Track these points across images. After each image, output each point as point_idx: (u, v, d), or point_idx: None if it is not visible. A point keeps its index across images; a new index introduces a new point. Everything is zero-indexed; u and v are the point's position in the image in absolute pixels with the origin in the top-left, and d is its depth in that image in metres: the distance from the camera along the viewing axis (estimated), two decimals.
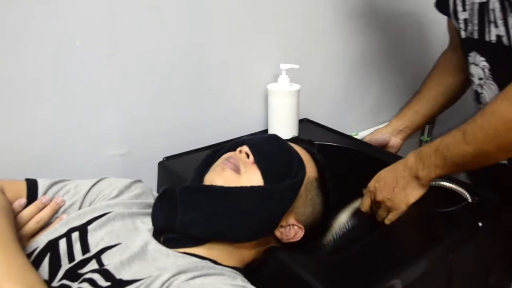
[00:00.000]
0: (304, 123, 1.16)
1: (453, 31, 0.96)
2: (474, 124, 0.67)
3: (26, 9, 0.74)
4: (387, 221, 0.75)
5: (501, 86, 0.75)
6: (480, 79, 0.82)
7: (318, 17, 1.18)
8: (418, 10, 1.43)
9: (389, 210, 0.76)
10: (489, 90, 0.81)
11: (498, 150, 0.67)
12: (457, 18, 0.86)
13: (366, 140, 1.07)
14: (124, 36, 0.85)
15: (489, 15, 0.74)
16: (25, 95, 0.78)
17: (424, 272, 0.64)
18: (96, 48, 0.82)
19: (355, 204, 0.84)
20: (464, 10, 0.83)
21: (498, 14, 0.72)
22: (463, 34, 0.85)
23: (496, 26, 0.73)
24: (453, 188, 0.76)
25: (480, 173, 0.75)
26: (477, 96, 0.85)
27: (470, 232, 0.71)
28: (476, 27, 0.80)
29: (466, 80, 0.94)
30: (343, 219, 0.82)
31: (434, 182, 0.76)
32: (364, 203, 0.81)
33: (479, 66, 0.82)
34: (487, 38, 0.77)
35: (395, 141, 1.07)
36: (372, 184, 0.79)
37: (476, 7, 0.78)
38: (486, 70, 0.80)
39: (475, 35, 0.81)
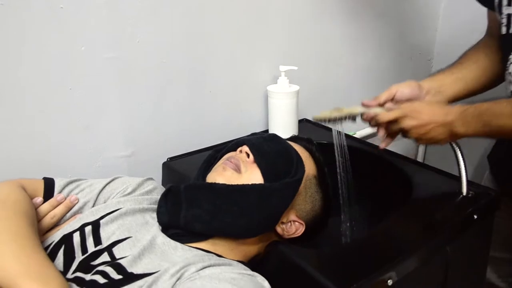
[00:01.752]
0: (304, 124, 1.18)
1: (494, 21, 0.89)
2: None
3: (34, 16, 0.77)
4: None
5: None
6: None
7: (316, 20, 1.21)
8: (420, 13, 1.46)
9: (407, 136, 0.78)
10: None
11: None
12: (500, 12, 0.81)
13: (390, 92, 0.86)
14: (128, 40, 0.88)
15: None
16: (34, 99, 0.81)
17: (422, 263, 0.66)
18: (101, 52, 0.85)
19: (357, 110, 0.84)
20: (509, 5, 0.79)
21: None
22: (503, 29, 0.81)
23: None
24: (462, 174, 0.79)
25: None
26: None
27: (466, 224, 0.73)
28: None
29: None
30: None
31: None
32: (386, 116, 0.80)
33: None
34: None
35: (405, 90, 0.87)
36: (407, 108, 0.78)
37: None
38: None
39: None
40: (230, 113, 1.09)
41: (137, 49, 0.90)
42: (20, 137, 0.81)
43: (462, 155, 0.79)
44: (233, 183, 0.67)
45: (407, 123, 0.78)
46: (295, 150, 0.75)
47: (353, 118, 0.83)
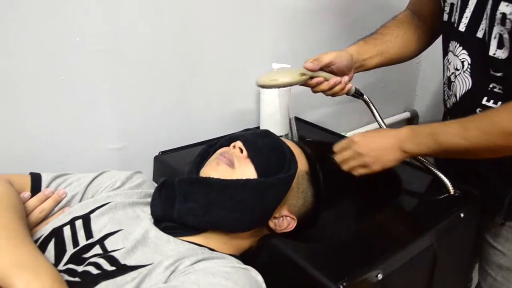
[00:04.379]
0: (295, 121, 1.19)
1: (426, 4, 0.95)
2: (476, 125, 0.71)
3: (28, 5, 0.76)
4: (356, 173, 0.80)
5: (475, 82, 0.79)
6: (456, 69, 0.83)
7: (309, 19, 1.22)
8: None
9: (363, 165, 0.79)
10: (462, 83, 0.83)
11: (490, 153, 0.73)
12: (444, 0, 0.86)
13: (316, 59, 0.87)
14: (122, 32, 0.88)
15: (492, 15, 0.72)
16: (25, 89, 0.80)
17: (410, 259, 0.67)
18: (95, 44, 0.85)
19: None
20: None
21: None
22: (445, 17, 0.85)
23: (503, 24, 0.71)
24: (441, 178, 0.80)
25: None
26: (450, 83, 0.87)
27: (453, 222, 0.75)
28: (466, 20, 0.79)
29: (420, 50, 0.99)
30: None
31: (426, 161, 0.82)
32: (340, 145, 0.83)
33: (458, 57, 0.82)
34: (479, 35, 0.76)
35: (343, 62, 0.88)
36: (358, 136, 0.81)
37: (472, 1, 0.77)
38: (466, 64, 0.81)
39: (462, 28, 0.80)
40: (222, 108, 1.10)
41: (131, 43, 0.90)
42: (8, 128, 0.80)
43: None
44: (226, 178, 0.67)
45: (363, 147, 0.79)
46: (287, 146, 0.75)
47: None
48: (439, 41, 0.99)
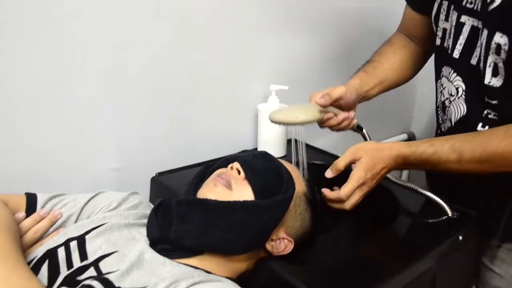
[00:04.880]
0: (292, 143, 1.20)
1: (419, 28, 0.95)
2: (473, 153, 0.72)
3: (31, 24, 0.77)
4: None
5: (470, 109, 0.80)
6: (451, 95, 0.84)
7: (308, 41, 1.24)
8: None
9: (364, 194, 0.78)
10: (457, 109, 0.83)
11: (481, 173, 0.74)
12: (437, 24, 0.86)
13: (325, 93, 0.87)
14: (122, 53, 0.89)
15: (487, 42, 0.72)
16: (23, 108, 0.80)
17: (409, 282, 0.67)
18: (95, 63, 0.86)
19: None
20: (446, 20, 0.83)
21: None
22: (438, 41, 0.86)
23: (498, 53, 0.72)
24: (438, 202, 0.80)
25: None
26: (444, 107, 0.88)
27: (452, 245, 0.75)
28: (460, 47, 0.80)
29: (416, 71, 1.01)
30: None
31: (421, 190, 0.82)
32: (348, 190, 0.78)
33: (452, 84, 0.83)
34: (473, 62, 0.77)
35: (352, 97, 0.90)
36: (364, 173, 0.78)
37: (466, 28, 0.78)
38: (460, 91, 0.82)
39: (456, 54, 0.81)
40: (220, 130, 1.10)
41: (130, 64, 0.91)
42: (8, 146, 0.80)
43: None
44: (224, 200, 0.67)
45: (372, 183, 0.79)
46: (285, 167, 0.75)
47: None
48: (433, 65, 1.01)
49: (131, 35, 0.89)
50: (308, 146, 1.17)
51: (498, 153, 0.69)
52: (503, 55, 0.69)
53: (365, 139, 0.91)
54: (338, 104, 0.86)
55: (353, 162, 0.78)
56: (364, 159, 0.77)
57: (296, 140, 0.86)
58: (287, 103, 1.10)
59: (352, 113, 0.87)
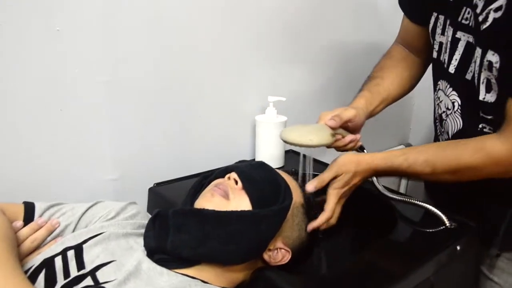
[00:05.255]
0: (290, 154, 1.20)
1: (417, 39, 0.96)
2: (446, 166, 0.75)
3: (31, 37, 0.78)
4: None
5: (466, 123, 0.81)
6: (448, 109, 0.85)
7: (305, 53, 1.25)
8: None
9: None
10: (453, 123, 0.84)
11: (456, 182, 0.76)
12: (433, 38, 0.87)
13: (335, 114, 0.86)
14: (119, 65, 0.90)
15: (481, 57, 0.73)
16: (23, 118, 0.81)
17: None
18: (93, 75, 0.86)
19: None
20: (442, 34, 0.84)
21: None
22: (435, 54, 0.87)
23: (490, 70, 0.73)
24: (435, 212, 0.81)
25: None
26: (441, 120, 0.89)
27: (450, 255, 0.75)
28: (455, 62, 0.80)
29: (417, 80, 1.01)
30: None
31: (417, 201, 0.83)
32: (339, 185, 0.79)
33: (449, 98, 0.84)
34: (468, 77, 0.78)
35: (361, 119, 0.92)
36: (345, 188, 0.80)
37: (462, 44, 0.78)
38: (456, 105, 0.83)
39: (451, 69, 0.81)
40: (218, 141, 1.11)
41: (128, 75, 0.91)
42: (5, 156, 0.81)
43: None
44: (221, 210, 0.67)
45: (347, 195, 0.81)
46: (282, 178, 0.76)
47: None
48: (431, 76, 1.02)
49: (131, 47, 0.90)
50: (305, 157, 1.18)
51: (471, 167, 0.73)
52: (495, 72, 0.70)
53: None
54: (346, 125, 0.87)
55: (335, 177, 0.79)
56: (345, 177, 0.78)
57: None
58: (284, 115, 1.11)
59: (358, 136, 0.87)
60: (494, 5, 0.66)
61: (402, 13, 0.99)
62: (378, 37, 1.40)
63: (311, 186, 0.78)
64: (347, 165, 0.78)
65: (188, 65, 1.01)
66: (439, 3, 0.82)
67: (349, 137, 0.85)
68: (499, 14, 0.65)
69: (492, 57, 0.69)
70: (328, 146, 0.87)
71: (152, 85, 0.96)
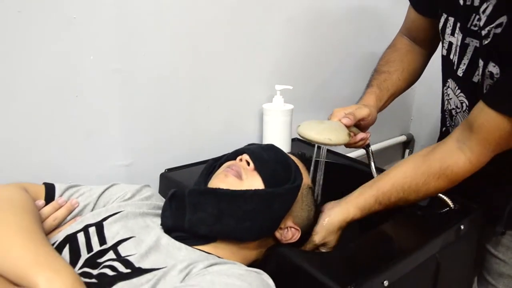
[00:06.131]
0: (296, 142, 1.23)
1: (423, 30, 0.97)
2: (416, 197, 0.79)
3: (48, 25, 0.80)
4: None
5: None
6: (457, 107, 0.88)
7: (311, 42, 1.28)
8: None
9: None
10: (463, 121, 0.86)
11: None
12: (443, 37, 0.87)
13: (348, 112, 0.88)
14: (133, 54, 0.92)
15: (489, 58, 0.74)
16: (40, 104, 0.83)
17: (414, 268, 0.70)
18: (108, 63, 0.89)
19: None
20: (452, 34, 0.84)
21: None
22: (444, 52, 0.88)
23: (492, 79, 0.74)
24: (439, 196, 0.84)
25: None
26: (451, 115, 0.91)
27: (454, 233, 0.77)
28: (463, 67, 0.82)
29: (423, 68, 1.03)
30: None
31: None
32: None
33: (458, 98, 0.86)
34: (475, 80, 0.79)
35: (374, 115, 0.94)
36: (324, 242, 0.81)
37: (470, 49, 0.79)
38: (464, 106, 0.85)
39: (460, 73, 0.83)
40: (227, 128, 1.13)
41: (141, 63, 0.94)
42: (23, 141, 0.83)
43: None
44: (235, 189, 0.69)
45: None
46: (292, 159, 0.78)
47: None
48: (433, 67, 1.03)
49: (142, 39, 0.93)
50: (311, 145, 1.20)
51: (437, 190, 0.78)
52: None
53: (368, 157, 0.94)
54: (358, 123, 0.89)
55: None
56: (330, 242, 0.80)
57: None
58: (291, 103, 1.13)
59: (368, 134, 0.89)
60: (496, 23, 0.68)
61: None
62: (385, 27, 1.42)
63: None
64: (334, 233, 0.79)
65: (199, 55, 1.03)
66: (449, 5, 0.83)
67: (360, 135, 0.87)
68: (499, 30, 0.67)
69: (493, 68, 0.71)
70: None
71: (163, 76, 0.98)
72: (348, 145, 0.89)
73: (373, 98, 0.95)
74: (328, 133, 0.80)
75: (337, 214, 0.80)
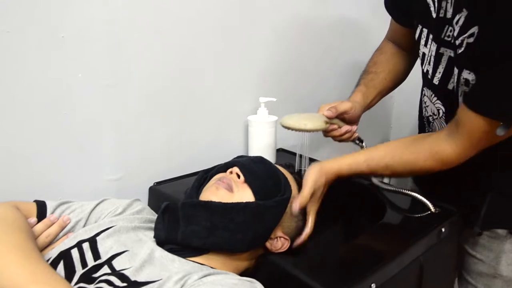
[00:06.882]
0: (280, 152, 1.25)
1: (404, 38, 1.02)
2: (403, 170, 0.83)
3: (37, 44, 0.81)
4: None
5: None
6: (434, 114, 0.92)
7: (295, 55, 1.31)
8: None
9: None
10: (440, 127, 0.90)
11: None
12: (418, 47, 0.91)
13: (332, 107, 0.94)
14: (122, 69, 0.93)
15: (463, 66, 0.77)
16: (30, 121, 0.84)
17: (400, 271, 0.73)
18: (96, 80, 0.90)
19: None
20: (425, 45, 0.87)
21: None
22: (419, 61, 0.93)
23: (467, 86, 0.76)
24: (421, 199, 0.87)
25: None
26: (429, 122, 0.95)
27: (435, 236, 0.81)
28: (439, 75, 0.85)
29: (409, 71, 1.08)
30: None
31: (405, 190, 0.90)
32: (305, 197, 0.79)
33: (434, 105, 0.89)
34: (449, 87, 0.83)
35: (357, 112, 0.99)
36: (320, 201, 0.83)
37: (445, 58, 0.83)
38: (441, 112, 0.89)
39: (435, 81, 0.86)
40: (214, 141, 1.15)
41: (130, 80, 0.95)
42: (12, 157, 0.83)
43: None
44: (226, 202, 0.71)
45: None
46: (281, 171, 0.80)
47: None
48: (410, 77, 1.08)
49: (131, 54, 0.94)
50: (295, 155, 1.23)
51: (424, 170, 0.81)
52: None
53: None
54: (342, 117, 0.94)
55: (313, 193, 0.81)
56: (319, 191, 0.81)
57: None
58: (275, 115, 1.16)
59: (354, 127, 0.94)
60: (469, 33, 0.72)
61: None
62: (367, 38, 1.47)
63: (296, 208, 0.78)
64: (320, 179, 0.81)
65: (186, 71, 1.05)
66: (423, 17, 0.87)
67: (345, 127, 0.93)
68: (471, 39, 0.71)
69: (468, 75, 0.75)
70: (325, 134, 0.95)
71: (152, 90, 1.00)
72: (335, 138, 0.95)
73: (359, 95, 1.00)
74: (305, 120, 0.89)
75: (326, 162, 0.83)
